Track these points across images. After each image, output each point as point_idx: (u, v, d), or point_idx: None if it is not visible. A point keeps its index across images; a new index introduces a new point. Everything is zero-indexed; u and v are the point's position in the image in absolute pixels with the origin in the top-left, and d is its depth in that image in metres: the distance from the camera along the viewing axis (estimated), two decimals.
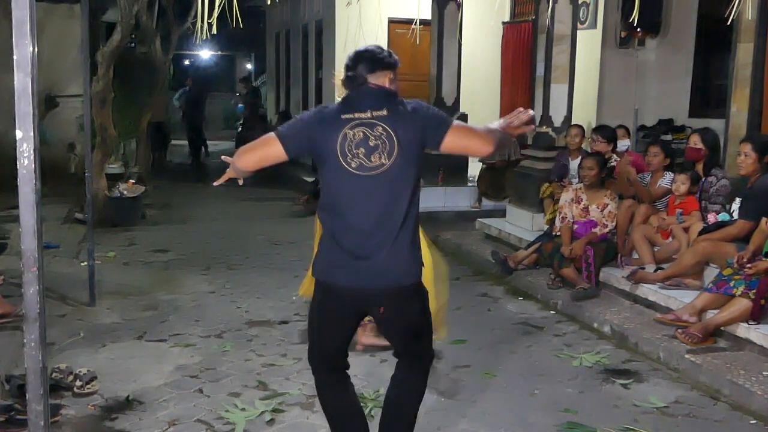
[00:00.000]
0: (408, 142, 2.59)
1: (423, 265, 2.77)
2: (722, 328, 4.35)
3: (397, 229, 2.60)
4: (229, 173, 2.81)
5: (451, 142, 2.62)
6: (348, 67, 2.69)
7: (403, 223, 2.61)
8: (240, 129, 15.57)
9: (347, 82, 2.69)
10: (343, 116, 2.61)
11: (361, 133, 2.58)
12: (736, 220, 4.79)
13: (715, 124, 6.80)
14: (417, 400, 2.87)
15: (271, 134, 2.68)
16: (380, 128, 2.58)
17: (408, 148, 2.59)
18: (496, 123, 2.79)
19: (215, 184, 2.99)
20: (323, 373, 2.85)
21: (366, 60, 2.67)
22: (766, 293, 4.19)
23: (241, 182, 2.88)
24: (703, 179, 5.26)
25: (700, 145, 5.30)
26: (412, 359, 2.85)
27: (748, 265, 4.25)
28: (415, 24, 6.57)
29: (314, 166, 3.05)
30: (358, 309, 2.77)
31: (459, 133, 2.65)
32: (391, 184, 2.59)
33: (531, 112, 2.80)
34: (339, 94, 4.12)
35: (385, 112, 2.60)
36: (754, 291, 4.21)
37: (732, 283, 4.34)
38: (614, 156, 6.25)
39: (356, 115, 2.60)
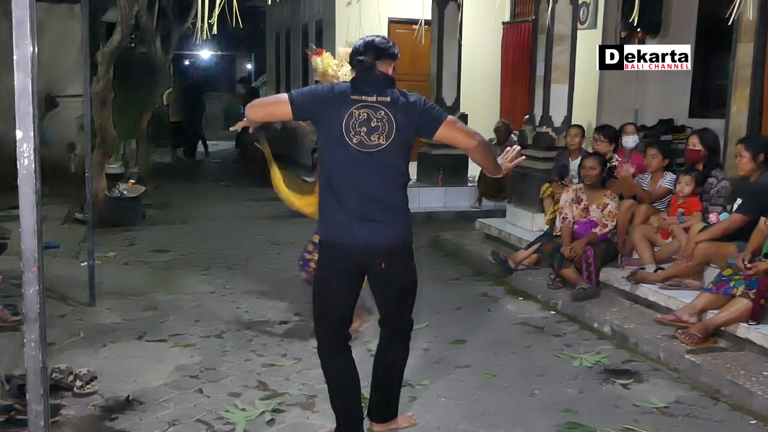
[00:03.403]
0: (405, 127, 2.95)
1: (412, 230, 3.12)
2: (722, 328, 4.35)
3: (391, 195, 2.98)
4: (243, 122, 3.21)
5: (442, 133, 3.02)
6: (358, 52, 3.03)
7: (395, 191, 3.00)
8: (240, 129, 15.63)
9: (357, 64, 3.03)
10: (353, 96, 2.95)
11: (365, 114, 2.93)
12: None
13: (715, 125, 6.79)
14: (402, 365, 3.30)
15: (284, 96, 3.01)
16: (383, 112, 2.93)
17: (404, 133, 2.96)
18: (498, 159, 3.26)
19: (231, 129, 3.52)
20: (326, 341, 3.13)
21: (374, 48, 3.01)
22: (766, 293, 4.19)
23: (251, 130, 3.28)
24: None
25: (698, 147, 5.30)
26: (396, 328, 3.22)
27: (748, 265, 4.25)
28: (421, 24, 6.58)
29: (314, 165, 3.35)
30: (360, 265, 3.05)
31: (450, 126, 3.03)
32: (385, 161, 2.95)
33: (517, 147, 3.38)
34: (319, 74, 4.36)
35: (388, 99, 2.95)
36: (753, 291, 4.21)
37: (732, 283, 4.34)
38: (615, 156, 6.25)
39: (363, 97, 2.94)
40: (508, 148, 3.35)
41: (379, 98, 2.93)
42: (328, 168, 3.00)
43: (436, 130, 2.99)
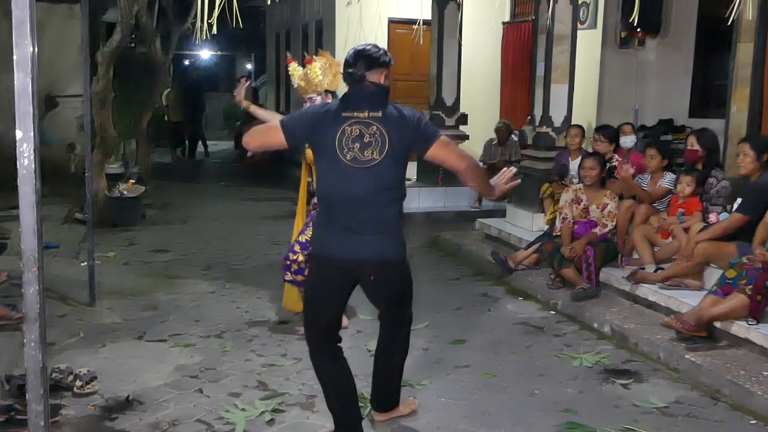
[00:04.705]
0: (398, 142, 2.93)
1: (405, 244, 3.12)
2: (720, 327, 4.33)
3: (384, 211, 2.98)
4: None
5: (434, 153, 3.02)
6: (348, 64, 2.99)
7: (389, 207, 2.99)
8: (240, 128, 15.65)
9: (347, 77, 3.00)
10: (344, 114, 2.94)
11: (358, 131, 2.92)
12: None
13: (715, 124, 6.81)
14: (402, 357, 3.36)
15: (276, 123, 3.05)
16: (375, 128, 2.92)
17: (397, 148, 2.94)
18: (492, 180, 3.30)
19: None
20: (317, 345, 3.16)
21: (365, 58, 2.98)
22: (763, 290, 4.17)
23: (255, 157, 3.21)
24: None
25: (696, 147, 5.30)
26: (394, 323, 3.27)
27: (758, 252, 4.24)
28: (418, 24, 6.59)
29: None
30: (350, 276, 3.08)
31: (442, 147, 3.03)
32: (380, 176, 2.93)
33: (514, 169, 3.37)
34: (301, 89, 4.43)
35: (380, 114, 2.93)
36: (750, 287, 4.19)
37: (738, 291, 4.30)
38: (615, 156, 6.26)
39: (355, 114, 2.93)
40: (504, 168, 3.35)
41: (370, 114, 2.92)
42: (324, 184, 3.04)
43: (428, 150, 2.99)
